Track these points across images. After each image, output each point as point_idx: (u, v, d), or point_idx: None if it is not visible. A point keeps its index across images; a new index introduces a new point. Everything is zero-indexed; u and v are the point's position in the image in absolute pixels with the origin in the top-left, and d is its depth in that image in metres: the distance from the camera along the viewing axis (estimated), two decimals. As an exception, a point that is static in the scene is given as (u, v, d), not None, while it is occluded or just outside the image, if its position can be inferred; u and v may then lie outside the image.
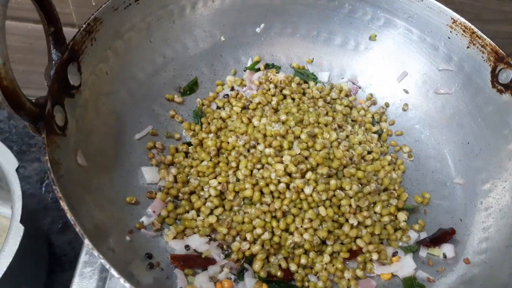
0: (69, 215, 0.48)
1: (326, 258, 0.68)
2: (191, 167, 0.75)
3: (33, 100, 0.53)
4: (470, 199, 0.77)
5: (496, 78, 0.77)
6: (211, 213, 0.70)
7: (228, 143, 0.76)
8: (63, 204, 0.48)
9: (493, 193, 0.75)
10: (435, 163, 0.84)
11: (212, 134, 0.78)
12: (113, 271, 0.47)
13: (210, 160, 0.74)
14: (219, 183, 0.70)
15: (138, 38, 0.77)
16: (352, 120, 0.87)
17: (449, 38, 0.82)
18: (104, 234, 0.58)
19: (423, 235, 0.74)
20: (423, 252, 0.72)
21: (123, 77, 0.76)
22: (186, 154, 0.78)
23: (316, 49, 0.95)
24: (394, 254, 0.71)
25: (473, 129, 0.81)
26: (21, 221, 0.69)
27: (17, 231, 0.69)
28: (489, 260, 0.68)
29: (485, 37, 0.78)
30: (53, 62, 0.61)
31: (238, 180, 0.72)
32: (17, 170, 0.75)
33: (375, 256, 0.69)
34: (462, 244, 0.73)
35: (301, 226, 0.67)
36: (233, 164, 0.73)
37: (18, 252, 0.67)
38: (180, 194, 0.72)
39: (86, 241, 0.46)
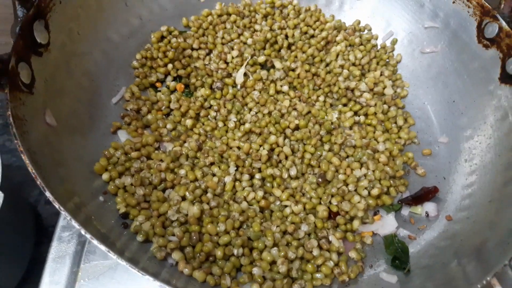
0: (30, 168, 0.47)
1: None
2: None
3: (-4, 56, 0.52)
4: (454, 157, 0.76)
5: (482, 33, 0.74)
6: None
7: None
8: (24, 158, 0.47)
9: (477, 150, 0.73)
10: (420, 123, 0.82)
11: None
12: (83, 231, 0.46)
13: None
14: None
15: (111, -3, 0.75)
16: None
17: (434, -7, 0.80)
18: (74, 193, 0.57)
19: (406, 194, 0.73)
20: (405, 211, 0.72)
21: (97, 38, 0.74)
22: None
23: (299, 9, 0.92)
24: (376, 213, 0.70)
25: (458, 87, 0.79)
26: (1, 189, 0.68)
27: (-4, 198, 0.68)
28: (471, 216, 0.67)
29: (470, -10, 0.75)
30: (19, 19, 0.59)
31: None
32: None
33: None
34: (445, 202, 0.72)
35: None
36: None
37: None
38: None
39: (48, 194, 0.45)
